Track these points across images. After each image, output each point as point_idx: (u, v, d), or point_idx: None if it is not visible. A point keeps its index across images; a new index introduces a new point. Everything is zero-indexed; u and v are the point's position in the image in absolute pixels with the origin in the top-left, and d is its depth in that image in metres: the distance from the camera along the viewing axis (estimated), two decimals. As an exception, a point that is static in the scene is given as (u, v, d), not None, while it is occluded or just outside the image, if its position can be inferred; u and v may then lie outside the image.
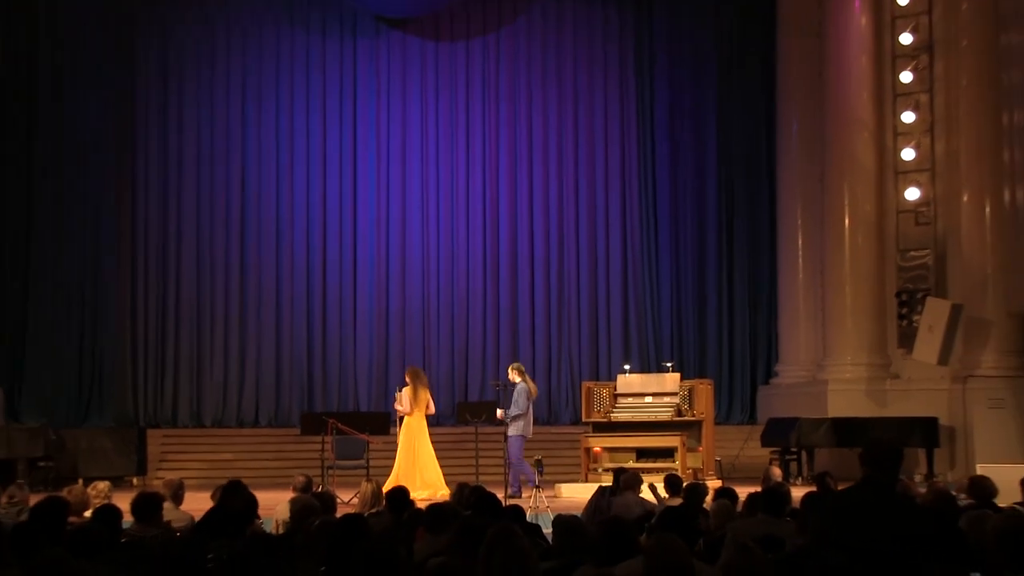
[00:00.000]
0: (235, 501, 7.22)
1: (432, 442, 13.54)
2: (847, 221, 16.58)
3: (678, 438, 13.53)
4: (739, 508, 7.45)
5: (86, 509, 7.33)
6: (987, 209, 15.51)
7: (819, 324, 17.15)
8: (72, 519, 6.20)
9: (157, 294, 18.09)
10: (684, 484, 8.94)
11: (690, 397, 14.02)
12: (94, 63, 17.96)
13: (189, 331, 18.08)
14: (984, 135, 15.49)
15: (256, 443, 17.27)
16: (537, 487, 11.66)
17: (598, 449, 13.91)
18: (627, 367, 15.25)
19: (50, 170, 17.70)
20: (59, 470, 14.87)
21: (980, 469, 11.11)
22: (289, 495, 8.27)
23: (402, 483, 11.52)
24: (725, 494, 7.81)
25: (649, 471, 11.90)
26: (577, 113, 18.95)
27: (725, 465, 15.14)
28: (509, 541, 4.21)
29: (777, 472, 10.88)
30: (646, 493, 9.41)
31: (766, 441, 15.95)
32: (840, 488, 7.14)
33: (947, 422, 15.53)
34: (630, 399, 14.20)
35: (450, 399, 17.71)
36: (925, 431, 15.23)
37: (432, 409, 13.64)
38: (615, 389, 14.30)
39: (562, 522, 5.23)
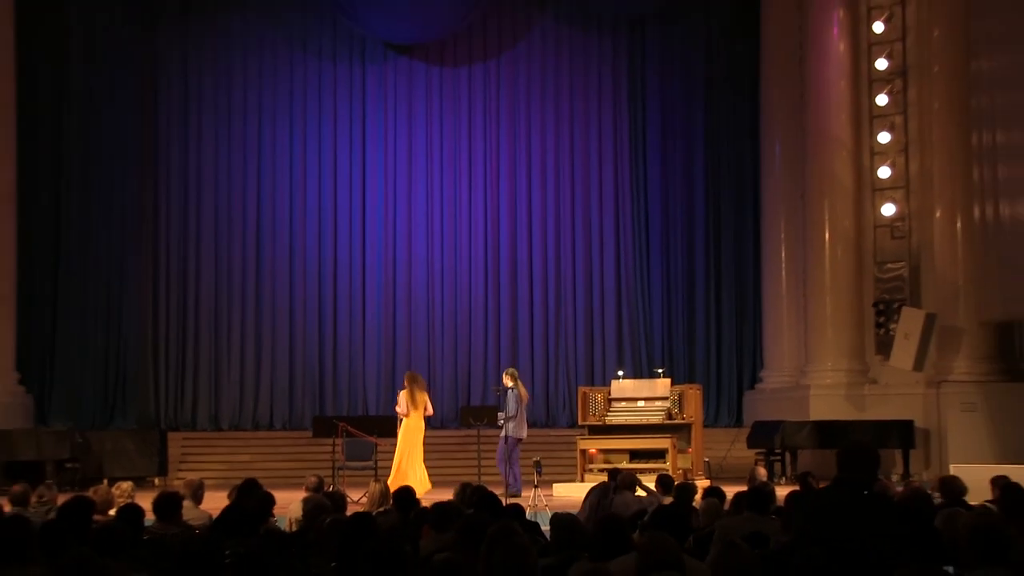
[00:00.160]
0: (250, 500, 7.22)
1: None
2: (827, 235, 16.58)
3: (669, 440, 13.53)
4: (727, 506, 7.45)
5: (110, 508, 7.34)
6: (958, 224, 15.50)
7: (801, 332, 17.14)
8: (97, 517, 6.20)
9: (177, 304, 18.13)
10: (675, 484, 8.96)
11: (680, 401, 14.02)
12: (121, 84, 18.03)
13: (207, 339, 18.13)
14: (955, 155, 15.48)
15: (271, 445, 17.25)
16: (536, 487, 11.67)
17: (593, 451, 13.92)
18: (621, 373, 15.24)
19: (76, 183, 17.76)
20: (85, 471, 14.80)
21: (953, 469, 11.11)
22: (302, 495, 8.26)
23: (401, 478, 11.54)
24: (713, 493, 7.82)
25: (642, 471, 11.89)
26: (573, 133, 18.96)
27: (713, 466, 15.10)
28: (509, 538, 4.21)
29: (762, 472, 10.89)
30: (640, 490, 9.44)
31: (752, 443, 15.93)
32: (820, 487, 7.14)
33: (922, 425, 15.53)
34: (623, 403, 14.21)
35: (453, 403, 17.72)
36: (901, 433, 15.24)
37: (431, 411, 13.59)
38: (609, 394, 14.33)
39: (559, 520, 5.23)
